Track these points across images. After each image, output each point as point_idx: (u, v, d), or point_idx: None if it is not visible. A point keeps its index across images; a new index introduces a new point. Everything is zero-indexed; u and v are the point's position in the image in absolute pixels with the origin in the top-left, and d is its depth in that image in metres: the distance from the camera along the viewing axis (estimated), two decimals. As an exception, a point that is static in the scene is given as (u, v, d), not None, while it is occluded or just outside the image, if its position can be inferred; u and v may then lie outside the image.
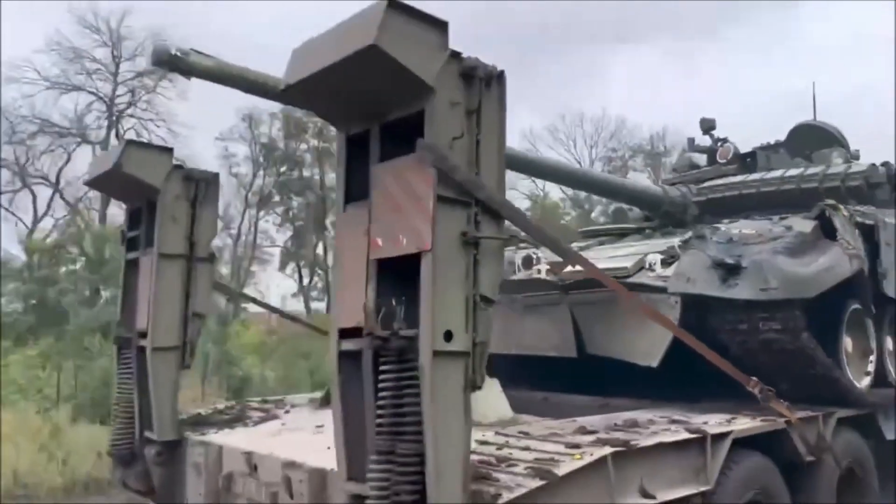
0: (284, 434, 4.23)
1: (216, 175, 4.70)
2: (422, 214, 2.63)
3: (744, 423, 3.90)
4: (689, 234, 5.40)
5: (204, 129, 31.74)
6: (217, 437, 4.31)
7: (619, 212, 7.31)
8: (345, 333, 2.93)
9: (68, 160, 27.31)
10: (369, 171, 2.91)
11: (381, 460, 2.64)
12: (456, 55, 2.73)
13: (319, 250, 31.00)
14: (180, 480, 4.39)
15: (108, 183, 4.61)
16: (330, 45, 2.70)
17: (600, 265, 4.89)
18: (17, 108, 25.44)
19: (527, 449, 3.22)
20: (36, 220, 26.76)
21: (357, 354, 2.89)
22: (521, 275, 5.41)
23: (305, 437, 4.07)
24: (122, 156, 4.27)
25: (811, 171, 6.05)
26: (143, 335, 4.47)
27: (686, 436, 3.53)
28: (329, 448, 3.61)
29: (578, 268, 5.12)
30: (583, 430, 3.58)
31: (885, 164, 6.18)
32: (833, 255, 4.27)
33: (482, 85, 2.78)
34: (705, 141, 7.80)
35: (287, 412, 4.99)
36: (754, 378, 3.97)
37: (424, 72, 2.62)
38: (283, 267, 30.85)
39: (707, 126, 7.64)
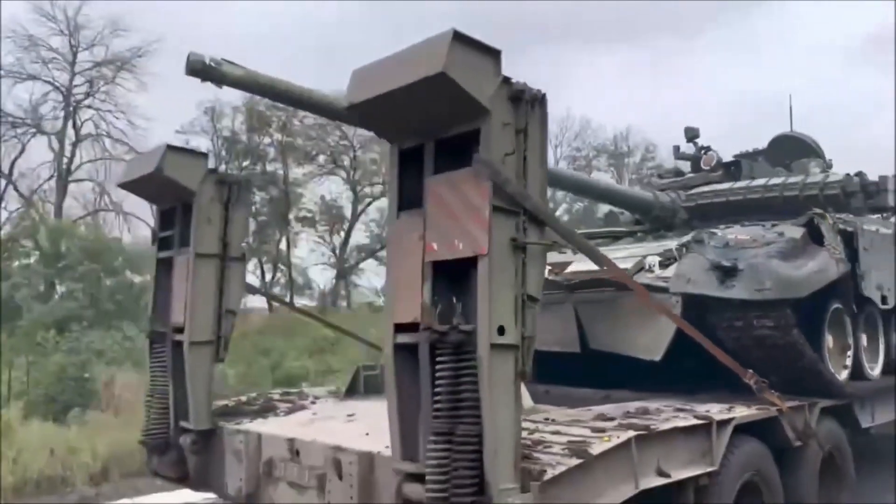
0: (318, 423, 4.52)
1: (248, 179, 4.98)
2: (478, 222, 2.96)
3: (742, 412, 4.30)
4: (683, 237, 5.83)
5: (164, 121, 31.70)
6: (252, 425, 4.59)
7: (612, 215, 7.73)
8: (399, 328, 3.25)
9: (22, 151, 26.91)
10: (423, 182, 3.23)
11: (440, 440, 2.95)
12: (507, 80, 3.06)
13: (283, 246, 30.94)
14: (215, 467, 4.65)
15: (145, 185, 4.83)
16: (395, 70, 3.01)
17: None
18: (-31, 97, 24.67)
19: (557, 433, 3.57)
20: (-13, 213, 26.19)
21: (411, 347, 3.20)
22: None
23: (340, 426, 4.38)
24: (162, 159, 4.51)
25: (792, 180, 6.51)
26: (178, 330, 4.72)
27: (695, 422, 3.91)
28: (368, 434, 3.96)
29: (581, 268, 5.55)
30: (602, 417, 3.95)
31: (858, 174, 6.68)
32: (821, 260, 4.70)
33: (528, 107, 3.11)
34: (689, 148, 8.27)
35: (313, 403, 5.28)
36: (750, 371, 4.38)
37: (482, 95, 2.95)
38: (244, 262, 30.65)
39: (691, 135, 8.09)
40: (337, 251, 32.27)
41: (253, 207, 29.97)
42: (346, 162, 31.19)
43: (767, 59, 53.24)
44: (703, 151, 7.92)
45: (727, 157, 7.84)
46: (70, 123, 27.23)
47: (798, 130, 7.80)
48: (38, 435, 8.28)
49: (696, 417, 4.00)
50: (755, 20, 55.31)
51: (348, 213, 31.90)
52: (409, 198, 3.33)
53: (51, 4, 26.15)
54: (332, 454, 3.74)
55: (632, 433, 3.48)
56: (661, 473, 3.62)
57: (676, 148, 8.33)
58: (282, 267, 30.80)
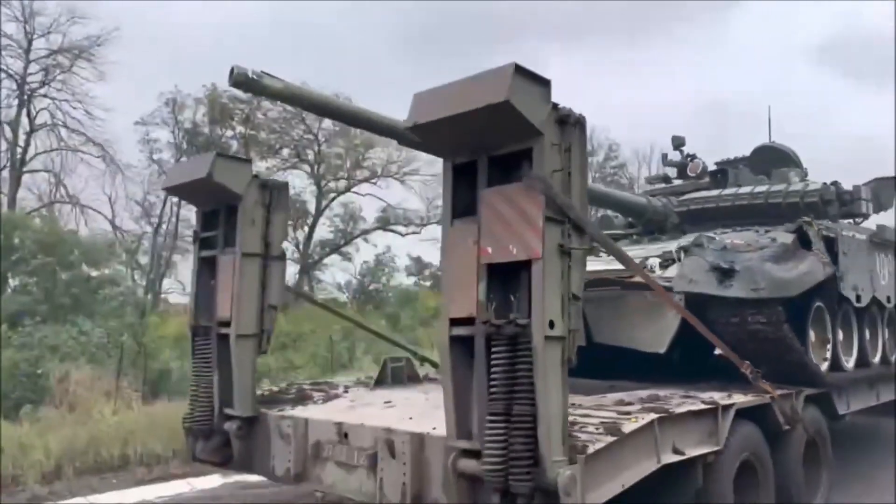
0: (359, 409, 4.92)
1: (286, 183, 5.34)
2: (533, 230, 3.40)
3: (741, 398, 4.81)
4: (676, 240, 6.37)
5: (123, 111, 31.05)
6: (296, 412, 4.98)
7: (606, 218, 8.25)
8: (454, 322, 3.67)
9: (-26, 140, 25.70)
10: (477, 194, 3.66)
11: (498, 420, 3.38)
12: (555, 106, 3.51)
13: None
14: (259, 450, 5.03)
15: (193, 189, 5.17)
16: (460, 96, 3.43)
17: (605, 267, 5.80)
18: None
19: (587, 416, 4.03)
20: (-63, 204, 25.22)
21: (465, 339, 3.63)
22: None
23: (382, 411, 4.79)
24: (213, 166, 4.87)
25: (776, 188, 7.08)
26: (223, 324, 5.08)
27: (703, 406, 4.41)
28: (411, 418, 4.39)
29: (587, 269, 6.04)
30: (622, 402, 4.43)
31: (834, 183, 7.28)
32: (809, 263, 5.25)
33: (572, 128, 3.56)
34: (676, 155, 8.84)
35: (345, 391, 5.68)
36: (747, 362, 4.90)
37: (536, 120, 3.39)
38: None
39: (678, 143, 8.67)
40: (300, 246, 31.59)
41: None
42: (311, 156, 30.73)
43: (728, 60, 54.73)
44: (689, 159, 8.50)
45: (693, 157, 8.47)
46: (24, 112, 26.27)
47: (776, 140, 8.39)
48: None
49: (703, 403, 4.50)
50: (716, 21, 56.80)
51: (312, 207, 31.30)
52: (460, 207, 3.76)
53: (5, -10, 24.98)
54: (383, 435, 4.14)
55: (654, 415, 3.96)
56: (677, 451, 4.11)
57: (664, 155, 8.89)
58: None
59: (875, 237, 6.68)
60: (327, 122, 29.27)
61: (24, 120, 26.43)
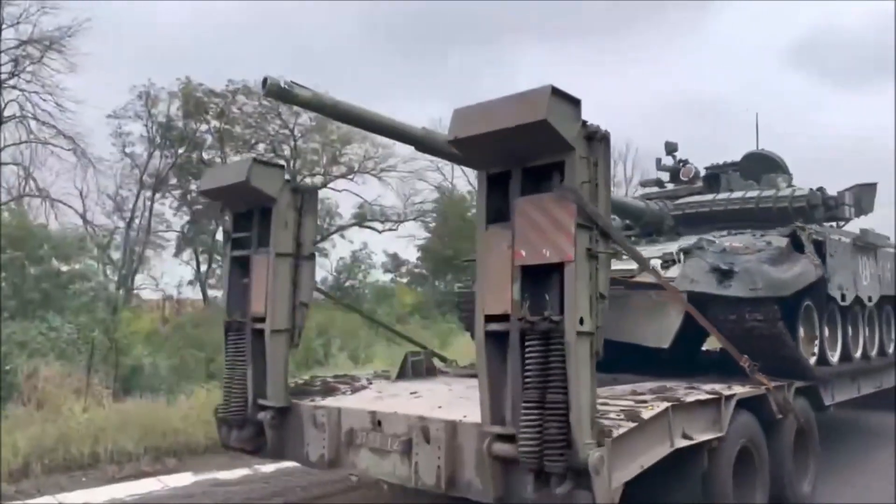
0: (388, 399, 5.27)
1: (316, 187, 5.70)
2: (565, 236, 3.76)
3: (740, 389, 5.22)
4: (674, 242, 6.78)
5: (95, 104, 30.28)
6: (328, 402, 5.31)
7: (605, 221, 8.63)
8: (489, 318, 4.03)
9: (-60, 132, 24.95)
10: (510, 202, 4.01)
11: (532, 407, 3.74)
12: (584, 123, 3.87)
13: (219, 236, 28.89)
14: (291, 439, 5.35)
15: (229, 193, 5.46)
16: (499, 114, 3.78)
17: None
18: None
19: (606, 404, 4.40)
20: None
21: (499, 334, 3.99)
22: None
23: (410, 401, 5.14)
24: (250, 171, 5.18)
25: (766, 194, 7.53)
26: (257, 319, 5.40)
27: (709, 396, 4.82)
28: (440, 407, 4.74)
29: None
30: (635, 392, 4.82)
31: (819, 189, 7.75)
32: (802, 265, 5.69)
33: (598, 143, 3.93)
34: (668, 160, 9.27)
35: (370, 383, 6.01)
36: (746, 356, 5.30)
37: (568, 136, 3.74)
38: (179, 253, 29.55)
39: (670, 148, 9.10)
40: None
41: (188, 196, 28.79)
42: (287, 151, 30.33)
43: (702, 59, 55.69)
44: (681, 164, 8.94)
45: (685, 162, 8.94)
46: (-7, 104, 25.38)
47: (759, 144, 8.86)
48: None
49: (707, 393, 4.91)
50: (693, 21, 57.71)
51: None
52: (494, 213, 4.12)
53: (-29, -21, 24.16)
54: (417, 423, 4.49)
55: (667, 404, 4.36)
56: (686, 436, 4.51)
57: (658, 160, 9.30)
58: (217, 258, 29.24)
59: (858, 240, 7.16)
60: (303, 118, 29.44)
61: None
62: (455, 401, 4.98)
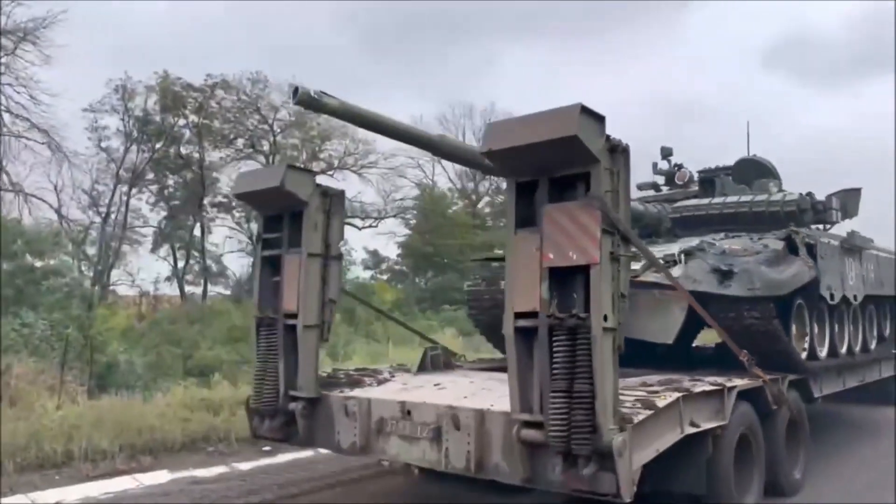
0: (414, 390, 5.62)
1: (342, 192, 5.99)
2: (592, 240, 4.13)
3: (739, 382, 5.63)
4: (674, 244, 7.19)
5: (70, 97, 29.91)
6: (356, 392, 5.66)
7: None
8: (518, 315, 4.39)
9: None
10: (537, 208, 4.38)
11: (560, 396, 4.11)
12: (608, 138, 4.25)
13: (196, 232, 29.77)
14: (322, 428, 5.69)
15: (263, 196, 5.78)
16: (531, 129, 4.14)
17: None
18: None
19: (621, 394, 4.77)
20: None
21: (527, 329, 4.35)
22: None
23: (436, 392, 5.50)
24: (285, 176, 5.51)
25: (759, 198, 7.98)
26: (289, 316, 5.72)
27: (713, 387, 5.22)
28: (466, 397, 5.11)
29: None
30: (645, 384, 5.21)
31: (808, 194, 8.22)
32: (797, 266, 6.12)
33: (619, 155, 4.31)
34: (664, 165, 9.71)
35: (392, 376, 6.36)
36: (745, 350, 5.72)
37: (594, 149, 4.12)
38: (156, 249, 29.50)
39: (666, 153, 9.55)
40: (254, 238, 30.58)
41: (165, 191, 29.01)
42: (266, 147, 30.29)
43: (681, 58, 56.50)
44: (676, 168, 9.39)
45: (680, 166, 9.39)
46: (-36, 96, 24.84)
47: (757, 154, 9.29)
48: None
49: (712, 385, 5.31)
50: (674, 20, 58.54)
51: None
52: (522, 218, 4.48)
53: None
54: (447, 412, 4.85)
55: (678, 394, 4.75)
56: (693, 424, 4.91)
57: (654, 164, 9.74)
58: (195, 253, 29.82)
59: (845, 243, 7.63)
60: (283, 113, 29.65)
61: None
62: (478, 392, 5.35)
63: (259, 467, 7.75)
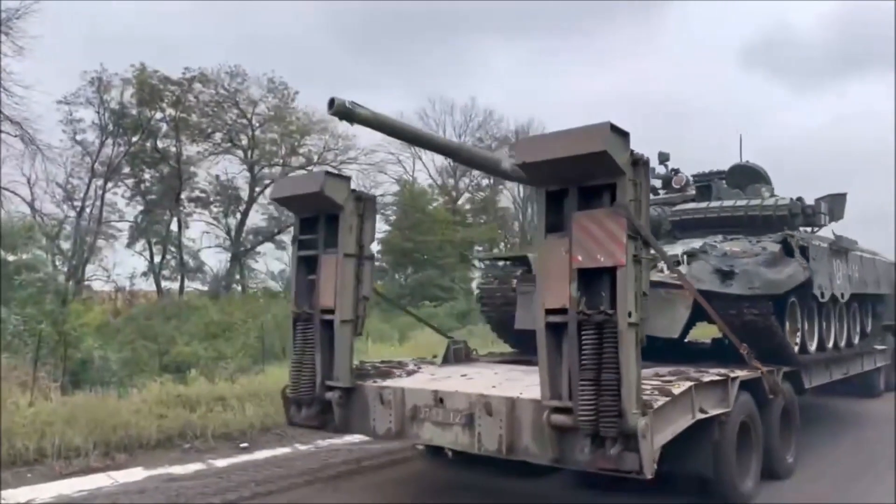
0: (443, 380, 6.08)
1: (374, 196, 6.43)
2: (618, 244, 4.60)
3: (741, 373, 6.14)
4: (674, 245, 7.69)
5: (44, 89, 28.77)
6: (389, 382, 6.10)
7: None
8: (549, 312, 4.86)
9: None
10: (566, 215, 4.84)
11: (589, 384, 4.58)
12: (632, 152, 4.73)
13: (173, 226, 29.47)
14: (357, 415, 6.13)
15: (301, 200, 6.20)
16: (563, 144, 4.60)
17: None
18: None
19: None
20: None
21: (557, 325, 4.82)
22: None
23: (464, 381, 5.96)
24: (324, 182, 5.94)
25: (754, 202, 8.52)
26: (326, 311, 6.15)
27: (719, 378, 5.73)
28: (494, 387, 5.57)
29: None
30: (658, 375, 5.71)
31: (799, 198, 8.78)
32: (793, 267, 6.65)
33: (641, 167, 4.79)
34: (661, 169, 10.22)
35: (419, 368, 6.81)
36: (745, 344, 6.23)
37: (620, 163, 4.60)
38: (132, 243, 29.05)
39: (663, 158, 10.06)
40: (232, 233, 30.78)
41: (142, 185, 28.51)
42: (244, 141, 30.04)
43: (662, 58, 57.39)
44: (673, 172, 9.90)
45: (677, 171, 9.91)
46: (-64, 87, 24.12)
47: (749, 160, 9.84)
48: None
49: (717, 375, 5.82)
50: (656, 19, 59.35)
51: (245, 194, 30.75)
52: (552, 224, 4.95)
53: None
54: (479, 399, 5.31)
55: (690, 383, 5.25)
56: (702, 411, 5.42)
57: (652, 169, 10.22)
58: (172, 249, 29.53)
59: (833, 245, 8.18)
60: (262, 107, 29.54)
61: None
62: (504, 382, 5.82)
63: (236, 464, 7.74)
